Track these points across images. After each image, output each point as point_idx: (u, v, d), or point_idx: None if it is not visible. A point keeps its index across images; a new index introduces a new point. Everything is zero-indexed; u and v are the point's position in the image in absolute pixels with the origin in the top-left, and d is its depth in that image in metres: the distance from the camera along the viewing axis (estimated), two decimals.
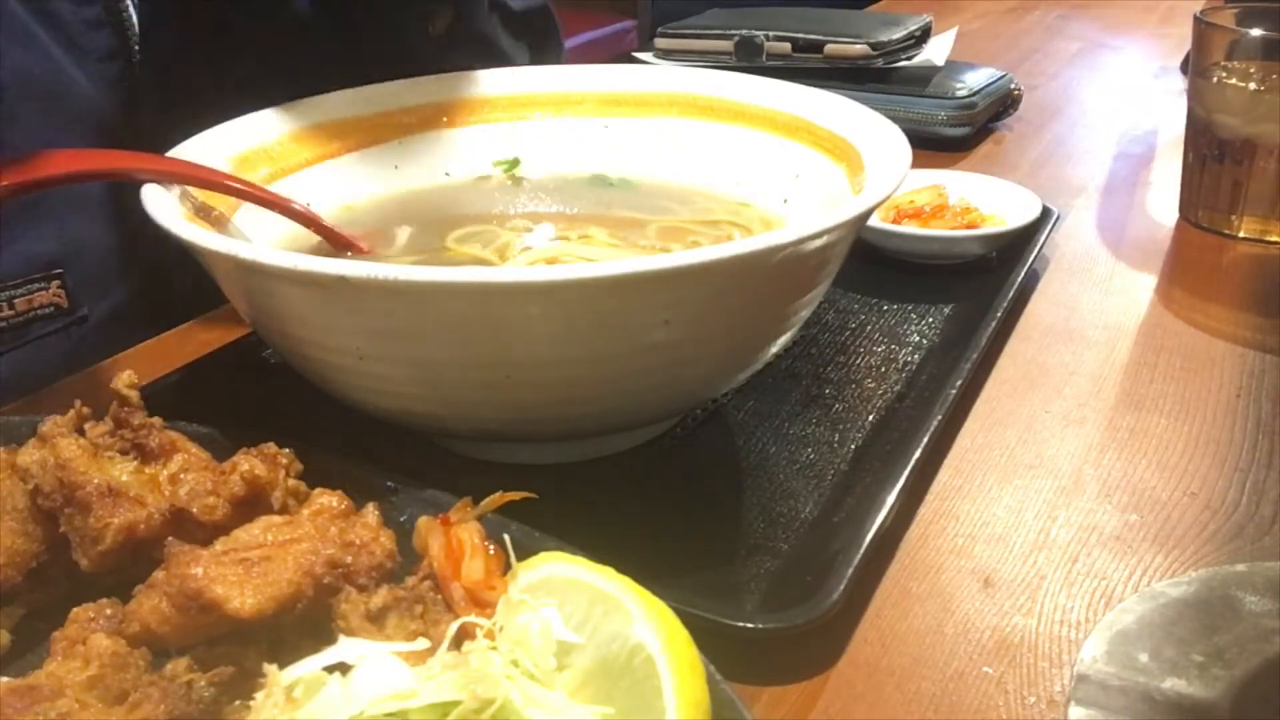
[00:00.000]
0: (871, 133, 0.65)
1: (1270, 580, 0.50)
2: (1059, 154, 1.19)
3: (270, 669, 0.37)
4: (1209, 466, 0.62)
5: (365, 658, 0.37)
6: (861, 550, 0.51)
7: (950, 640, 0.50)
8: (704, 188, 0.75)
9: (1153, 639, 0.47)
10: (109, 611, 0.42)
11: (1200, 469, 0.62)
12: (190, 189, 0.60)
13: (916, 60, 1.25)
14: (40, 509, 0.46)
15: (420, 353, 0.50)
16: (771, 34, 1.26)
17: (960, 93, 1.17)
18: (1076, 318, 0.80)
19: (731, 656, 0.42)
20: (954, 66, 1.25)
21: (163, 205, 0.55)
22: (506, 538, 0.44)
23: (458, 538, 0.44)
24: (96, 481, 0.45)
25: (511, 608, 0.40)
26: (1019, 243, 0.85)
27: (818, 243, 0.50)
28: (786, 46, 1.26)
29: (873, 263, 0.85)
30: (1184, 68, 1.35)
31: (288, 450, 0.49)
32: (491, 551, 0.43)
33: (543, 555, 0.43)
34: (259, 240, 0.64)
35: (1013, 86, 1.26)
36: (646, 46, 1.37)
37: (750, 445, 0.63)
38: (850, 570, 0.49)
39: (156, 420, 0.49)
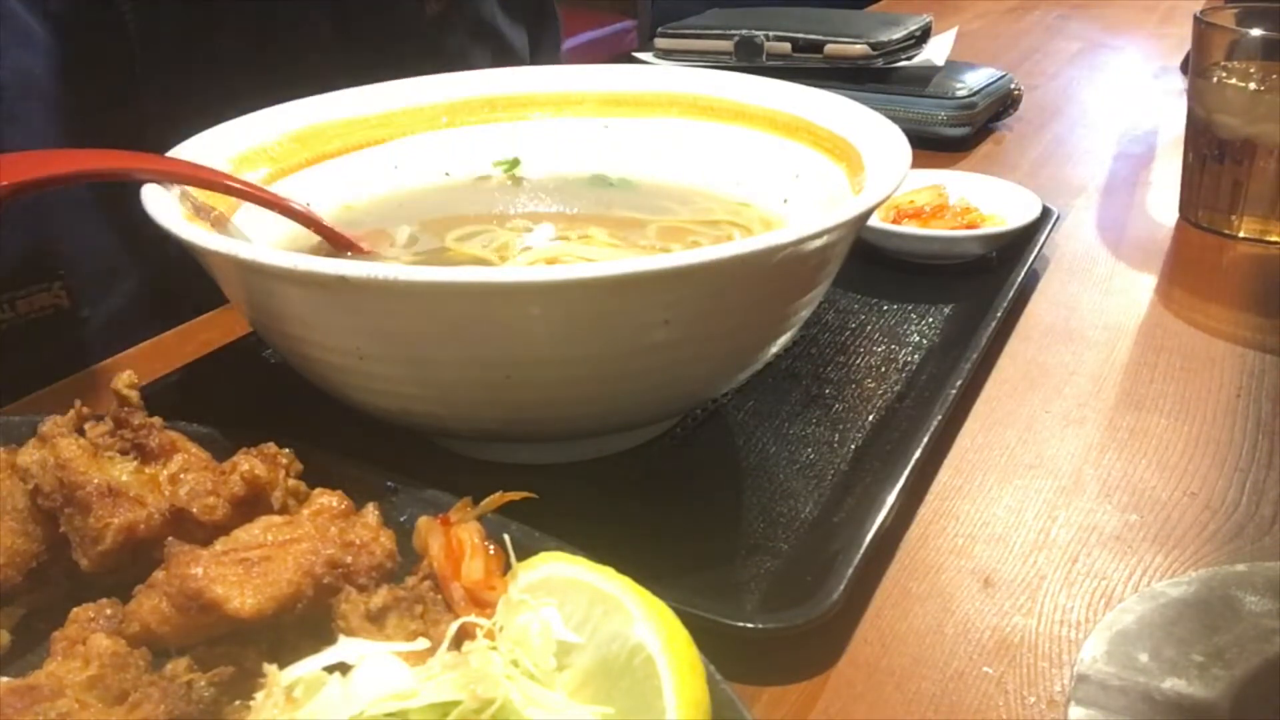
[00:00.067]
0: (871, 133, 0.65)
1: (1270, 580, 0.50)
2: (1059, 154, 1.19)
3: (270, 669, 0.37)
4: (1209, 466, 0.62)
5: (365, 658, 0.37)
6: (861, 550, 0.51)
7: (950, 640, 0.50)
8: (704, 188, 0.75)
9: (1153, 639, 0.47)
10: (109, 611, 0.42)
11: (1200, 469, 0.62)
12: (190, 189, 0.60)
13: (916, 60, 1.25)
14: (40, 509, 0.46)
15: (420, 353, 0.50)
16: (771, 34, 1.26)
17: (960, 93, 1.17)
18: (1076, 318, 0.80)
19: (731, 656, 0.42)
20: (954, 66, 1.25)
21: (163, 205, 0.55)
22: (506, 538, 0.44)
23: (458, 538, 0.44)
24: (96, 481, 0.45)
25: (511, 608, 0.40)
26: (1019, 243, 0.85)
27: (818, 243, 0.50)
28: (786, 46, 1.26)
29: (873, 263, 0.85)
30: (1184, 68, 1.36)
31: (288, 450, 0.49)
32: (491, 551, 0.43)
33: (543, 555, 0.43)
34: (259, 240, 0.64)
35: (1013, 86, 1.26)
36: (646, 46, 1.37)
37: (750, 445, 0.63)
38: (850, 570, 0.49)
39: (156, 420, 0.49)
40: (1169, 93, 1.40)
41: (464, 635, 0.39)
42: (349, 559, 0.43)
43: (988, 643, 0.50)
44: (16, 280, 0.80)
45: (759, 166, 0.73)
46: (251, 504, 0.46)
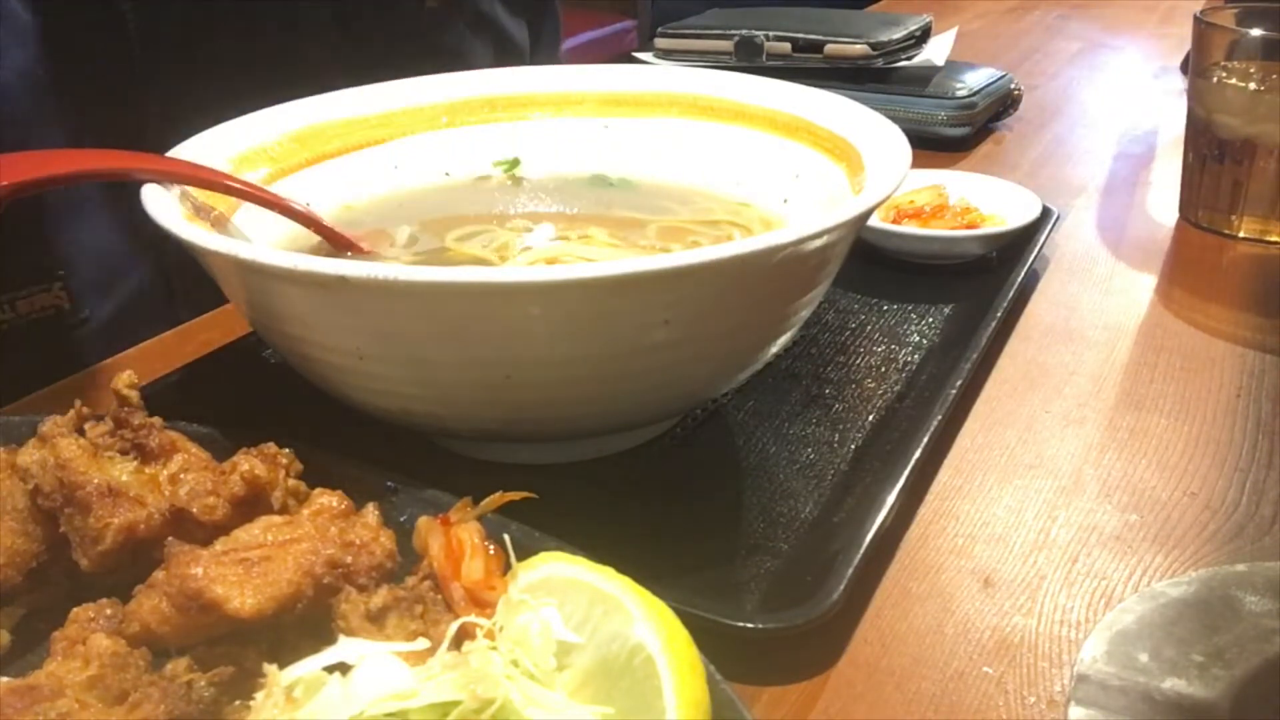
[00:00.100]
0: (871, 133, 0.65)
1: (1270, 580, 0.50)
2: (1059, 154, 1.19)
3: (270, 669, 0.37)
4: (1209, 466, 0.62)
5: (365, 658, 0.37)
6: (861, 550, 0.51)
7: (950, 640, 0.50)
8: (704, 188, 0.75)
9: (1153, 639, 0.47)
10: (109, 611, 0.42)
11: (1200, 469, 0.62)
12: (190, 189, 0.60)
13: (916, 60, 1.25)
14: (40, 509, 0.46)
15: (420, 353, 0.50)
16: (771, 34, 1.26)
17: (960, 93, 1.17)
18: (1076, 318, 0.80)
19: (731, 656, 0.42)
20: (954, 66, 1.25)
21: (163, 205, 0.55)
22: (506, 538, 0.44)
23: (458, 538, 0.44)
24: (96, 481, 0.45)
25: (511, 608, 0.40)
26: (1019, 243, 0.85)
27: (818, 243, 0.50)
28: (786, 46, 1.26)
29: (873, 263, 0.85)
30: (1184, 68, 1.35)
31: (288, 450, 0.49)
32: (491, 551, 0.43)
33: (543, 555, 0.43)
34: (259, 240, 0.64)
35: (1013, 86, 1.26)
36: (646, 46, 1.37)
37: (750, 445, 0.63)
38: (850, 570, 0.49)
39: (156, 420, 0.49)
40: (1169, 93, 1.40)
41: (464, 635, 0.39)
42: (349, 559, 0.43)
43: (988, 643, 0.50)
44: (17, 280, 0.80)
45: (759, 166, 0.73)
46: (251, 504, 0.46)
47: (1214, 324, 0.80)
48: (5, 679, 0.39)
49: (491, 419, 0.54)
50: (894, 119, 0.64)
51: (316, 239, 0.66)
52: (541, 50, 1.21)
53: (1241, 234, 0.94)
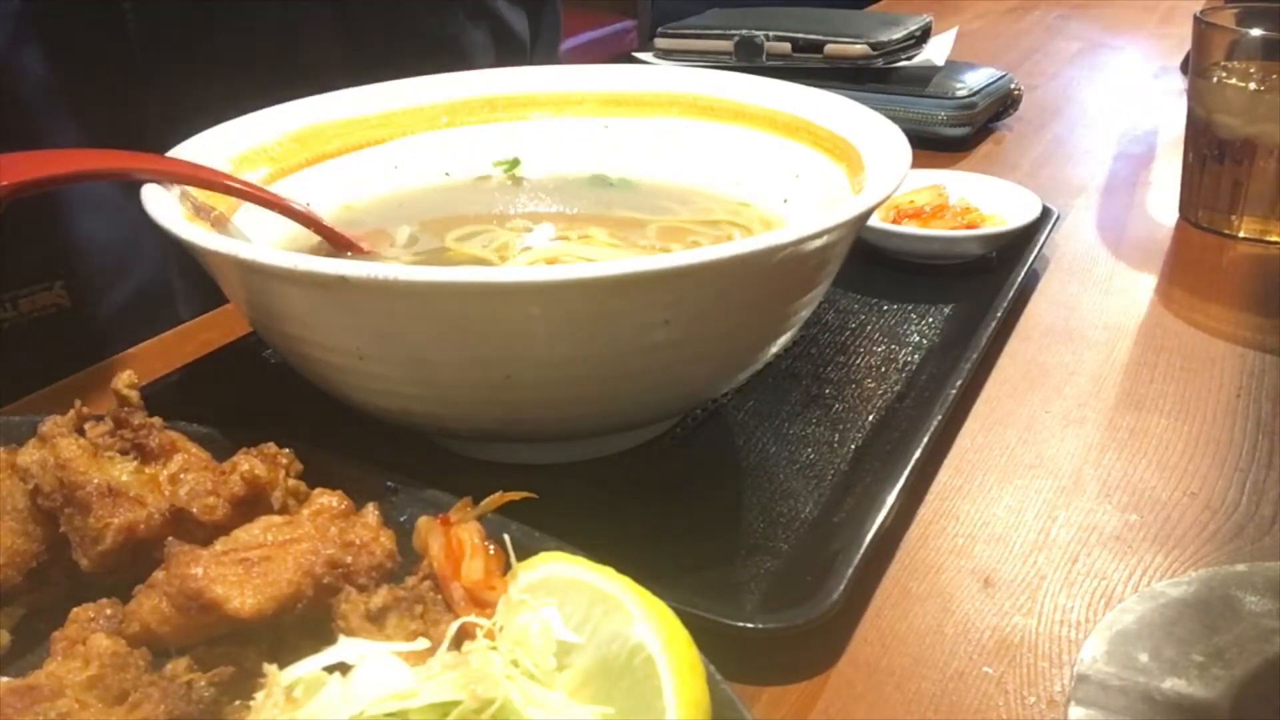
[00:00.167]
0: (871, 133, 0.65)
1: (1270, 580, 0.50)
2: (1059, 154, 1.19)
3: (270, 669, 0.37)
4: (1209, 466, 0.62)
5: (365, 658, 0.37)
6: (861, 550, 0.51)
7: (950, 640, 0.50)
8: (704, 188, 0.75)
9: (1153, 639, 0.47)
10: (109, 611, 0.42)
11: (1200, 469, 0.62)
12: (190, 189, 0.60)
13: (916, 60, 1.25)
14: (40, 509, 0.46)
15: (420, 353, 0.50)
16: (771, 34, 1.26)
17: (960, 93, 1.17)
18: (1076, 318, 0.80)
19: (731, 656, 0.42)
20: (954, 66, 1.25)
21: (163, 205, 0.55)
22: (506, 538, 0.44)
23: (458, 538, 0.44)
24: (96, 481, 0.45)
25: (511, 608, 0.40)
26: (1019, 243, 0.85)
27: (818, 243, 0.50)
28: (786, 46, 1.26)
29: (873, 263, 0.85)
30: (1184, 68, 1.35)
31: (288, 450, 0.49)
32: (491, 551, 0.43)
33: (543, 555, 0.43)
34: (259, 240, 0.64)
35: (1013, 86, 1.26)
36: (646, 46, 1.37)
37: (750, 445, 0.63)
38: (850, 570, 0.49)
39: (156, 420, 0.49)
40: (1169, 93, 1.40)
41: (464, 635, 0.39)
42: (349, 559, 0.43)
43: (988, 643, 0.50)
44: (18, 279, 0.80)
45: (759, 166, 0.73)
46: (251, 504, 0.46)
47: (1214, 324, 0.80)
48: (5, 679, 0.39)
49: (491, 419, 0.54)
50: (894, 119, 0.64)
51: (316, 239, 0.66)
52: (541, 49, 1.21)
53: (1241, 234, 0.94)
